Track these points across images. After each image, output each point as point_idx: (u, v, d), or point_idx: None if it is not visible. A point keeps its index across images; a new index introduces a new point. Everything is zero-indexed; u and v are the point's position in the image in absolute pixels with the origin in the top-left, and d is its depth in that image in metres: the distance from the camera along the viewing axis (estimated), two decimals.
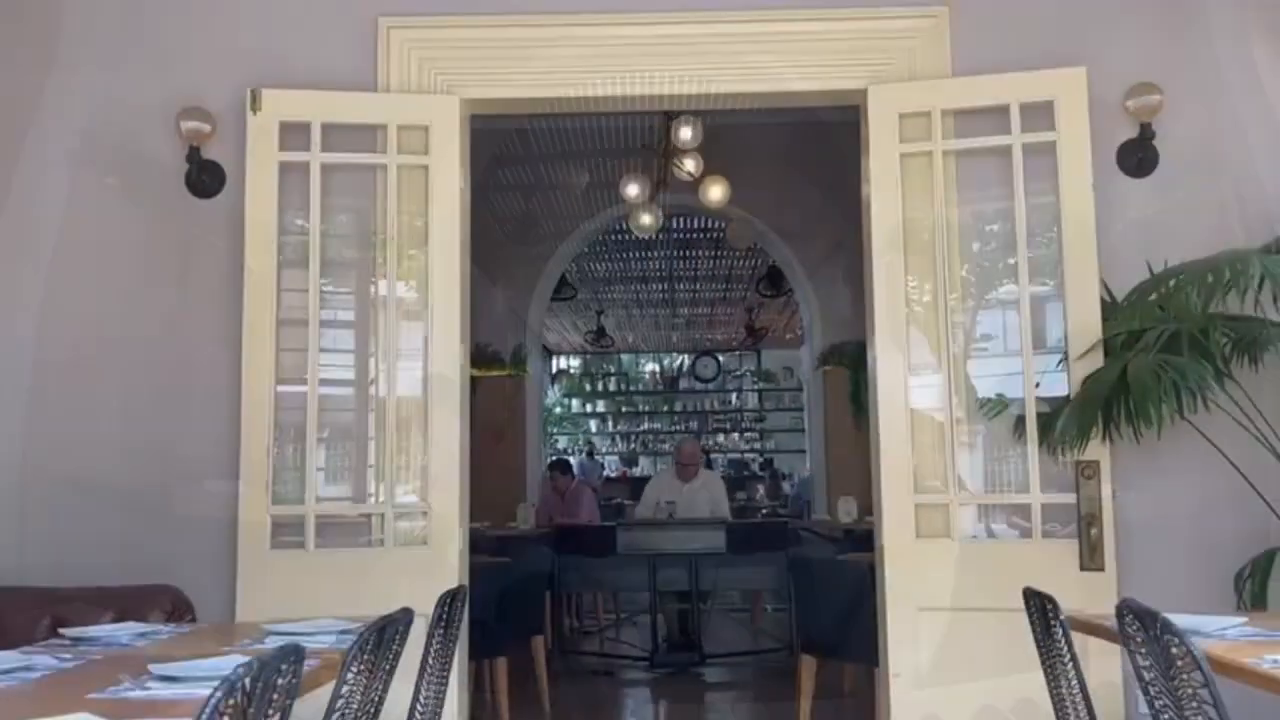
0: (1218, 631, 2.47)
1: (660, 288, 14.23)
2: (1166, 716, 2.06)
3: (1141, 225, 3.96)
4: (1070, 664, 2.58)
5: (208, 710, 1.39)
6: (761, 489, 14.14)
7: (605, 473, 16.71)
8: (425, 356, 3.95)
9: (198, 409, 3.96)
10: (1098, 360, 3.70)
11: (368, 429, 3.98)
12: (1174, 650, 1.95)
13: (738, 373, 18.17)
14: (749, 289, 13.55)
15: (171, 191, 4.03)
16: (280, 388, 3.88)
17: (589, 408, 18.58)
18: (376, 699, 2.39)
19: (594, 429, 18.45)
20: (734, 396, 18.24)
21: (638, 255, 12.12)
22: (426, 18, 4.09)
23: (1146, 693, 2.21)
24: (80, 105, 4.07)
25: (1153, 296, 3.59)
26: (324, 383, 3.94)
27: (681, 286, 14.15)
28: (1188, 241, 3.82)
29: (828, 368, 9.06)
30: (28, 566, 3.74)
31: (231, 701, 1.44)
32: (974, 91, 3.93)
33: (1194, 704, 1.91)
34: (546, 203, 8.55)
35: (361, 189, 4.03)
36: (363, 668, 2.20)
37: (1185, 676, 1.94)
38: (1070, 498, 3.73)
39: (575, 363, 18.59)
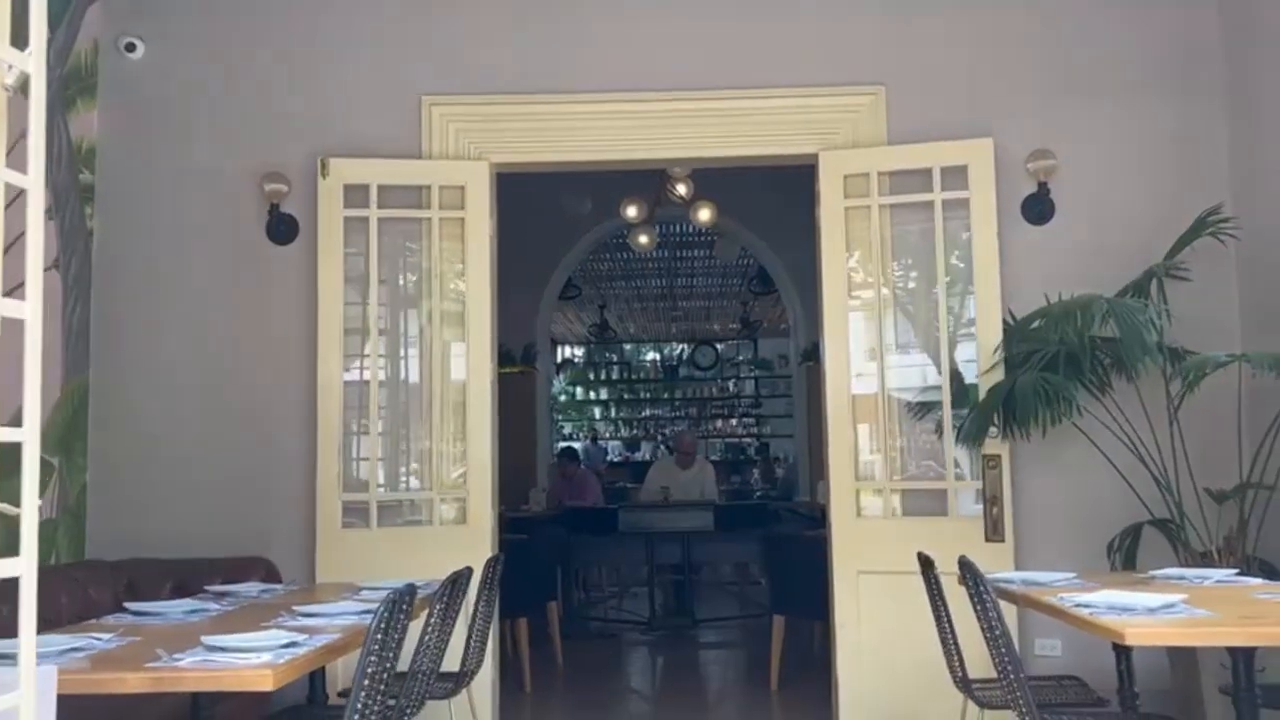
0: (1049, 581, 3.43)
1: (659, 284, 15.13)
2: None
3: (1041, 263, 4.90)
4: (993, 611, 3.47)
5: (377, 620, 2.35)
6: (756, 473, 15.07)
7: (608, 458, 17.59)
8: (465, 367, 4.92)
9: (282, 416, 4.93)
10: (1000, 374, 4.65)
11: (418, 427, 4.94)
12: (971, 588, 2.91)
13: (735, 361, 18.96)
14: (743, 285, 14.47)
15: (256, 239, 4.99)
16: (345, 398, 4.85)
17: (592, 395, 19.38)
18: (449, 634, 3.36)
19: (597, 415, 19.25)
20: (731, 384, 19.06)
21: (638, 256, 13.00)
22: (461, 97, 5.04)
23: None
24: (189, 171, 5.03)
25: (1035, 324, 4.53)
26: (383, 385, 4.91)
27: (680, 283, 15.04)
28: (1077, 275, 4.76)
29: (810, 364, 9.97)
30: (153, 541, 4.71)
31: (385, 616, 2.40)
32: (904, 157, 4.87)
33: (992, 631, 2.86)
34: (556, 216, 9.44)
35: (411, 235, 4.99)
36: (442, 608, 3.17)
37: (982, 608, 2.89)
38: (978, 483, 4.70)
39: (579, 352, 19.45)
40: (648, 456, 17.34)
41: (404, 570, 4.11)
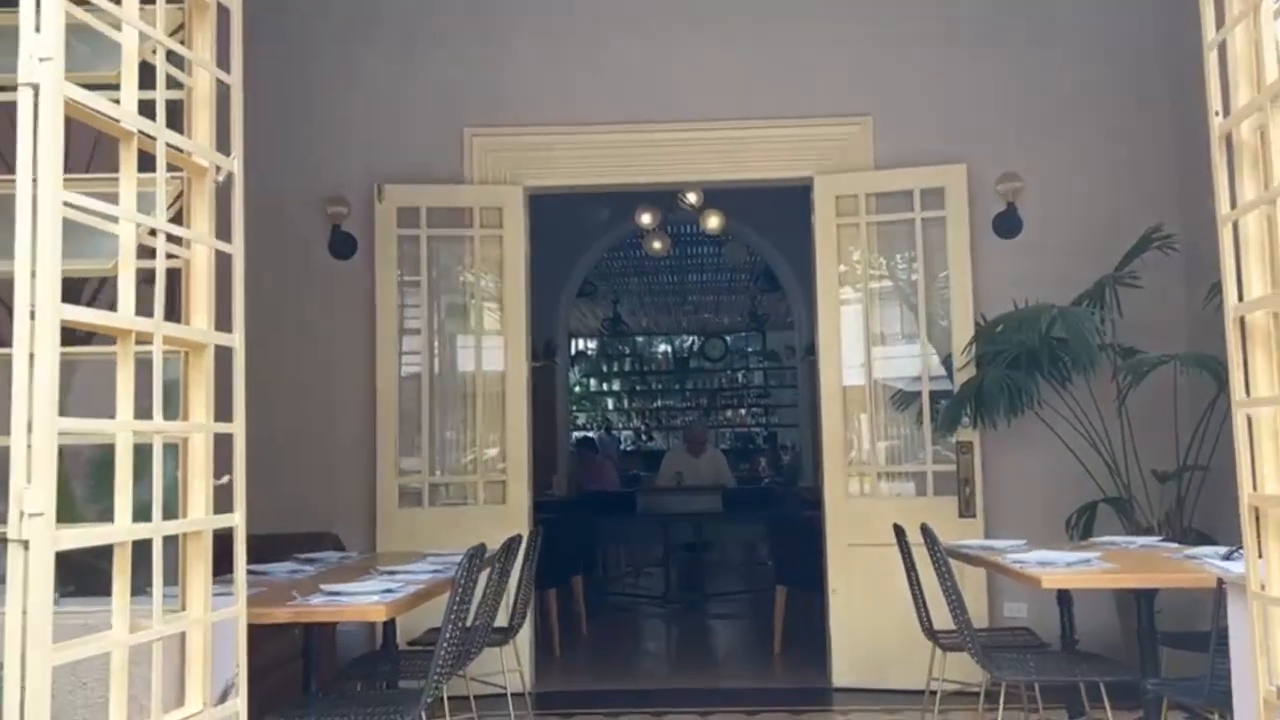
0: (1001, 547, 4.10)
1: (671, 280, 15.82)
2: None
3: (1011, 272, 5.57)
4: (947, 574, 4.11)
5: (460, 571, 3.04)
6: (763, 460, 15.74)
7: (622, 446, 18.26)
8: (504, 363, 5.61)
9: (344, 408, 5.63)
10: (971, 370, 5.33)
11: (463, 418, 5.64)
12: (930, 550, 3.59)
13: (744, 352, 19.57)
14: (751, 281, 15.14)
15: (320, 254, 5.69)
16: (400, 392, 5.54)
17: (605, 387, 20.01)
18: (504, 591, 4.05)
19: (610, 406, 19.89)
20: (740, 375, 19.69)
21: (650, 255, 13.65)
22: (498, 128, 5.72)
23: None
24: (260, 194, 5.69)
25: (999, 327, 5.20)
26: (432, 380, 5.60)
27: (690, 279, 15.73)
28: (1043, 283, 5.42)
29: (811, 357, 10.63)
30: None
31: (466, 567, 3.09)
32: (888, 180, 5.54)
33: (944, 585, 3.53)
34: (575, 222, 10.10)
35: (455, 249, 5.68)
36: (500, 566, 3.86)
37: (936, 566, 3.57)
38: (953, 467, 5.38)
39: (593, 345, 20.11)
40: (659, 446, 17.98)
41: (452, 544, 4.72)
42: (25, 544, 1.73)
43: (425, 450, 5.57)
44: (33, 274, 1.77)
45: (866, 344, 5.54)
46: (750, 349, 19.34)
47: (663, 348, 20.21)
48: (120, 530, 1.98)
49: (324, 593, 3.12)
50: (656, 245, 8.73)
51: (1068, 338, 4.74)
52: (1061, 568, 3.24)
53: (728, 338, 19.41)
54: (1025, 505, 5.47)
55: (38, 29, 1.81)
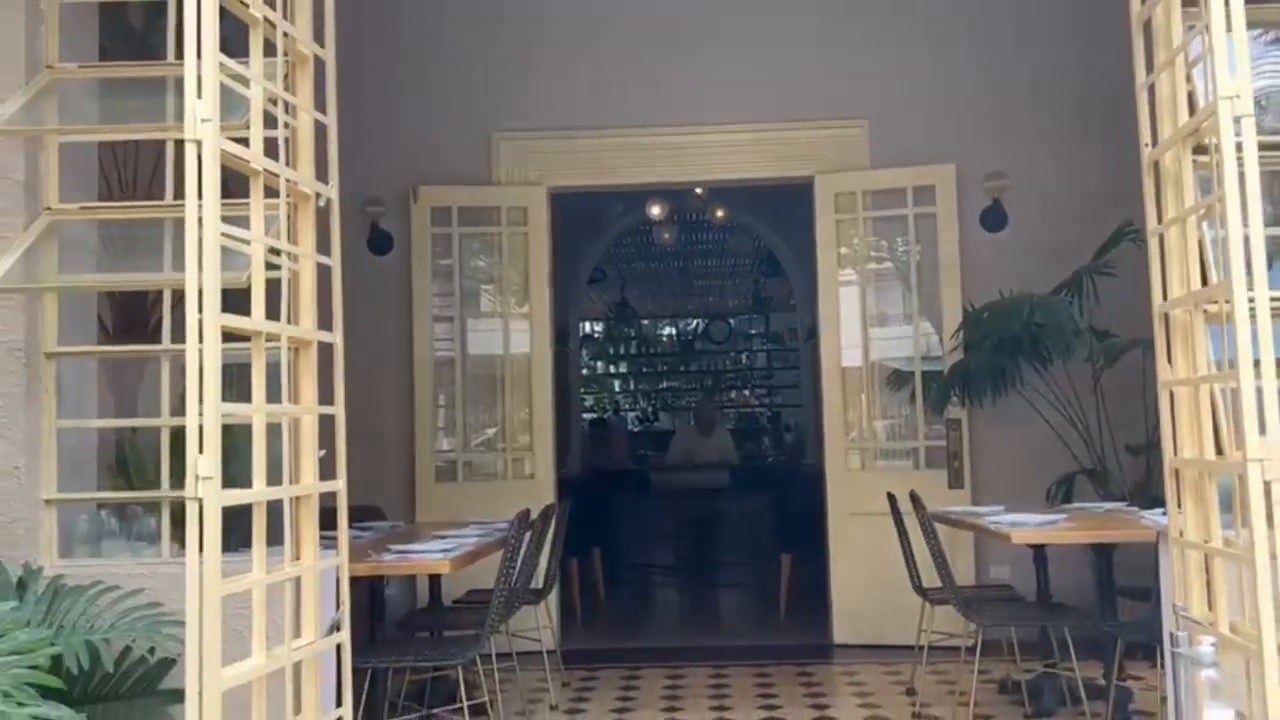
0: (982, 512, 4.60)
1: (677, 264, 16.29)
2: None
3: (997, 262, 6.04)
4: (931, 538, 4.61)
5: (513, 528, 3.54)
6: (767, 440, 16.24)
7: (629, 427, 18.74)
8: (530, 349, 6.11)
9: (384, 391, 6.13)
10: (960, 354, 5.81)
11: (493, 400, 6.14)
12: (918, 514, 4.09)
13: (748, 334, 20.03)
14: (754, 266, 15.61)
15: (359, 250, 6.17)
16: (436, 376, 6.05)
17: (613, 369, 20.48)
18: (540, 555, 4.56)
19: (617, 388, 20.38)
20: (744, 357, 20.15)
21: (657, 241, 14.13)
22: (523, 132, 6.20)
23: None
24: None
25: (986, 314, 5.69)
26: (465, 364, 6.10)
27: (696, 263, 16.20)
28: (1027, 272, 5.88)
29: (813, 341, 11.11)
30: None
31: (518, 526, 3.59)
32: (883, 180, 6.02)
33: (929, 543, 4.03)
34: (589, 212, 10.56)
35: (484, 244, 6.17)
36: (538, 532, 4.37)
37: (923, 528, 4.07)
38: (943, 442, 5.88)
39: (600, 328, 20.56)
40: (666, 426, 18.45)
41: (485, 515, 5.29)
42: (200, 501, 2.23)
43: (459, 429, 6.07)
44: (200, 289, 2.26)
45: (864, 330, 6.03)
46: (754, 331, 19.80)
47: (668, 330, 20.68)
48: (260, 492, 2.48)
49: (393, 551, 3.62)
50: (665, 235, 9.19)
51: (1046, 324, 5.22)
52: (1030, 526, 3.74)
53: (732, 320, 19.88)
54: (1009, 477, 5.96)
55: (199, 95, 2.29)
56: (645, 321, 20.23)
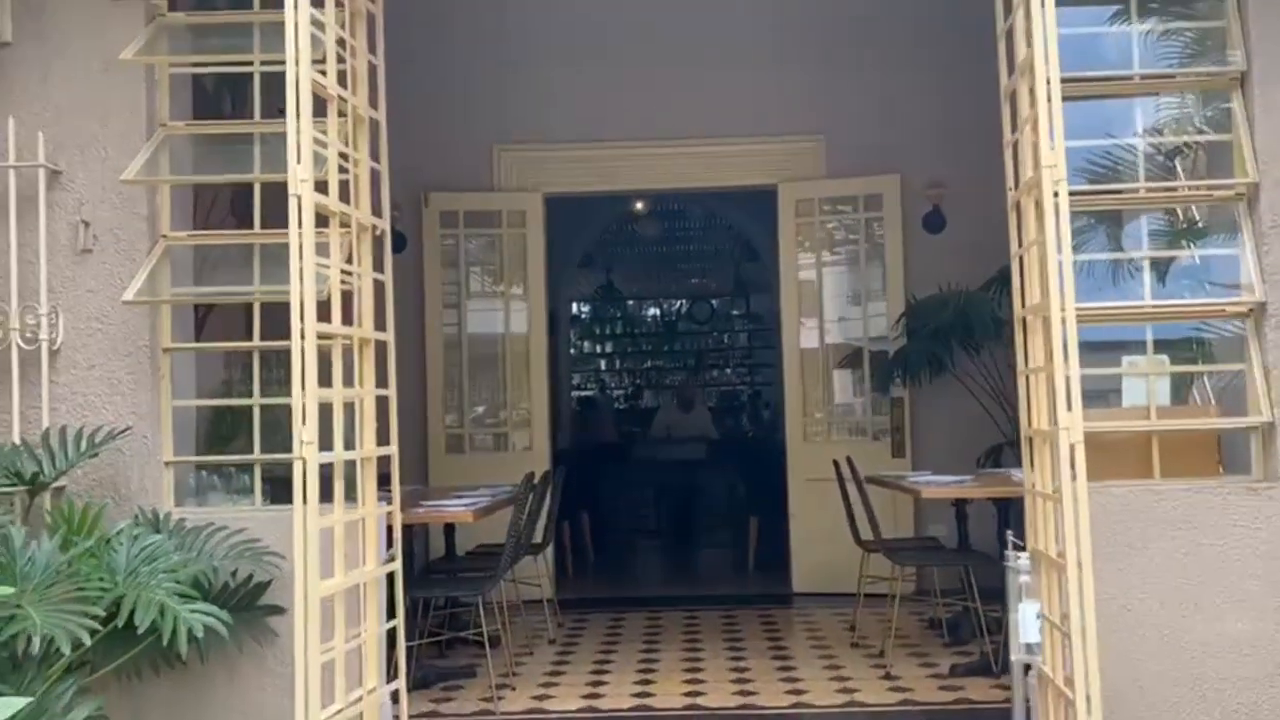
0: (912, 475, 5.49)
1: (661, 249, 17.12)
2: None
3: (937, 260, 6.91)
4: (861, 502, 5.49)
5: (522, 488, 4.40)
6: (745, 416, 17.12)
7: (615, 405, 19.57)
8: (528, 331, 6.96)
9: (400, 373, 6.95)
10: (902, 340, 6.70)
11: (496, 379, 7.00)
12: (852, 475, 4.97)
13: (729, 315, 20.83)
14: (734, 250, 16.45)
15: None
16: (446, 358, 6.89)
17: (598, 349, 21.28)
18: (540, 513, 5.43)
19: (603, 367, 21.18)
20: (726, 337, 20.96)
21: (643, 233, 14.97)
22: (521, 144, 7.03)
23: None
24: None
25: (924, 307, 6.57)
26: (471, 346, 6.96)
27: (679, 248, 17.05)
28: (963, 269, 6.75)
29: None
30: None
31: (527, 486, 4.45)
32: (838, 188, 6.90)
33: (862, 502, 4.91)
34: (577, 205, 11.40)
35: (487, 243, 7.01)
36: (540, 493, 5.23)
37: (856, 487, 4.95)
38: (887, 417, 6.77)
39: (586, 309, 21.34)
40: (650, 404, 19.28)
41: (491, 481, 6.16)
42: (304, 460, 3.07)
43: (465, 406, 6.93)
44: (301, 303, 3.10)
45: (820, 318, 6.91)
46: (735, 312, 20.60)
47: (652, 311, 21.48)
48: (340, 454, 3.32)
49: (424, 506, 4.48)
50: (650, 230, 10.03)
51: (971, 316, 6.10)
52: (938, 485, 4.62)
53: (714, 301, 20.69)
54: (944, 447, 6.84)
55: (299, 160, 3.12)
56: (630, 303, 21.06)
